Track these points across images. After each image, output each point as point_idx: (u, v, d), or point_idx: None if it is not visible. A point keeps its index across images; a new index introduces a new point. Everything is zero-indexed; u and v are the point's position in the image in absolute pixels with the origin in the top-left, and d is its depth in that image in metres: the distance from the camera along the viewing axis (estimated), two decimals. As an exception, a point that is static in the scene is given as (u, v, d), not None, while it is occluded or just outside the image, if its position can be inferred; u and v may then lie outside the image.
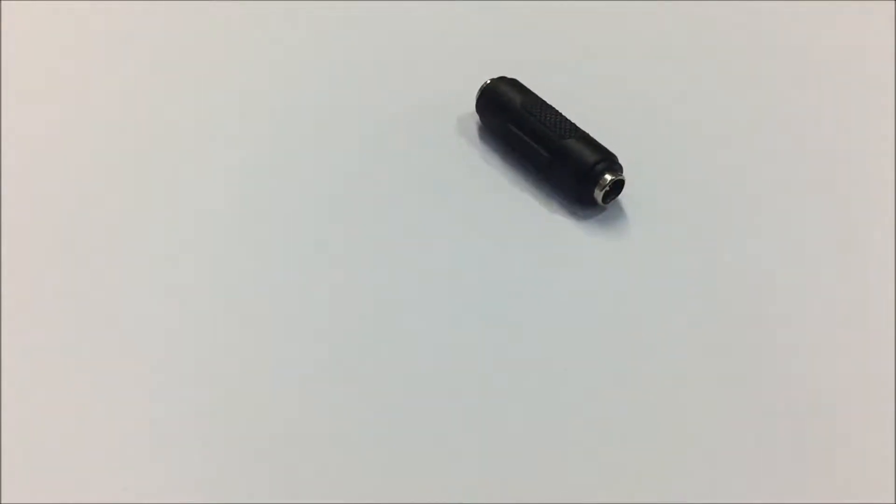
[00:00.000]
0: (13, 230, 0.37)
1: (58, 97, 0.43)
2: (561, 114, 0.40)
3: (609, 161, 0.38)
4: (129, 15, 0.47)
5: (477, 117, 0.42)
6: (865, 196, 0.40)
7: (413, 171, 0.41)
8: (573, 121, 0.40)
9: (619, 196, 0.39)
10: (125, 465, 0.31)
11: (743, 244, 0.38)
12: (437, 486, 0.31)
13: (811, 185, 0.40)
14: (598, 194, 0.38)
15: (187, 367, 0.34)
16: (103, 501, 0.31)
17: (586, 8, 0.49)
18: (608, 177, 0.38)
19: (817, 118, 0.43)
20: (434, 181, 0.40)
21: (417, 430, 0.32)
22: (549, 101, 0.41)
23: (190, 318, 0.35)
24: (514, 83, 0.42)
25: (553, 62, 0.46)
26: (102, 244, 0.37)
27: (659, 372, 0.34)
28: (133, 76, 0.44)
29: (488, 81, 0.42)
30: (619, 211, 0.39)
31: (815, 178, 0.40)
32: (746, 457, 0.32)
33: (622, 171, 0.39)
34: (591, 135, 0.39)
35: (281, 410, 0.33)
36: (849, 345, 0.35)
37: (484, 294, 0.36)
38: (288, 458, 0.32)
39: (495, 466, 0.32)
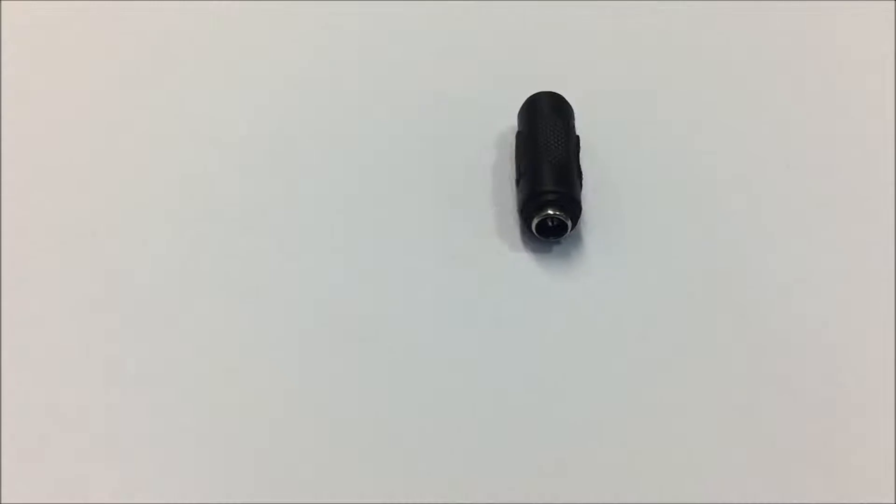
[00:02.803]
0: (13, 230, 0.37)
1: (58, 97, 0.43)
2: (572, 145, 0.37)
3: (561, 197, 0.36)
4: (131, 15, 0.47)
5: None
6: (866, 197, 0.40)
7: (418, 171, 0.40)
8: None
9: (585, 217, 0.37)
10: (125, 465, 0.31)
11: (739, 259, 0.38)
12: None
13: (811, 189, 0.40)
14: (533, 223, 0.36)
15: (187, 367, 0.34)
16: (103, 501, 0.31)
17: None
18: (550, 211, 0.35)
19: (816, 118, 0.43)
20: (436, 183, 0.40)
21: (415, 429, 0.33)
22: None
23: (190, 318, 0.35)
24: (557, 101, 0.39)
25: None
26: (103, 243, 0.37)
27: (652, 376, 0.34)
28: (151, 75, 0.44)
29: (534, 94, 0.39)
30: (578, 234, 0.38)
31: (815, 182, 0.40)
32: (746, 457, 0.32)
33: (573, 218, 0.36)
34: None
35: (280, 410, 0.33)
36: (848, 345, 0.35)
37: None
38: (288, 457, 0.32)
39: (493, 467, 0.32)
